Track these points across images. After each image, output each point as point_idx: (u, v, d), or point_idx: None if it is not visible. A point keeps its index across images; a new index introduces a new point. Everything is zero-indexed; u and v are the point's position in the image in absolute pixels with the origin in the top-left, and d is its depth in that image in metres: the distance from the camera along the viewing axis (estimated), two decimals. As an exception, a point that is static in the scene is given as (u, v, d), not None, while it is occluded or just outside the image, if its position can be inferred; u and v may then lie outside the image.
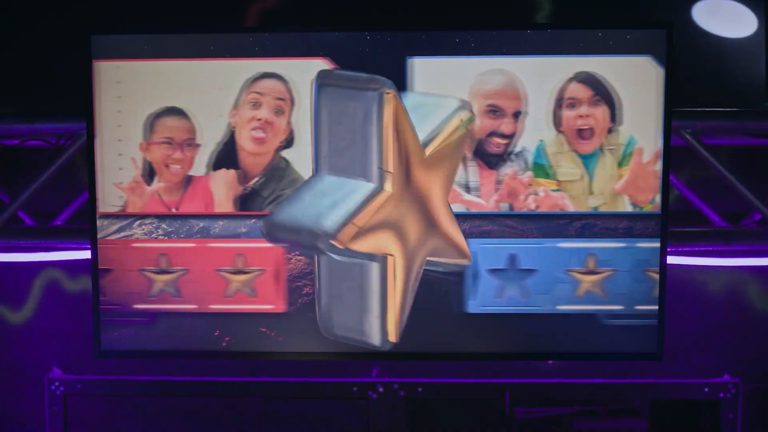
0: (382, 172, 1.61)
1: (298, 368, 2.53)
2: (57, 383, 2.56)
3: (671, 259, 1.91)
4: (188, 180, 1.76)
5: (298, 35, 1.67)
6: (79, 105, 2.08)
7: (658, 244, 1.71)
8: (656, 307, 1.81)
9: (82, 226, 2.13)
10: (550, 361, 2.57)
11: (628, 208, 1.70)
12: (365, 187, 1.59)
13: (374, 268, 1.66)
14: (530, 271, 1.72)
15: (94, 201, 1.75)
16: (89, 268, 2.48)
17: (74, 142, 2.01)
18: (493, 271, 1.74)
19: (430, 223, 1.71)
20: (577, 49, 1.64)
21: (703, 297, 2.54)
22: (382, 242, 1.67)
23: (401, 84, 1.66)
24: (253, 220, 1.71)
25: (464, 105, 1.64)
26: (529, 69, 1.66)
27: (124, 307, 1.80)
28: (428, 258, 1.74)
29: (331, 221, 1.58)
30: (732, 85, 2.23)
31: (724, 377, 2.52)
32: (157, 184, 1.76)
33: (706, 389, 2.53)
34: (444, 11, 2.17)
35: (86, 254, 2.01)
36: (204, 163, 1.76)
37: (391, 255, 1.68)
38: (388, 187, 1.61)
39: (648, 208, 1.70)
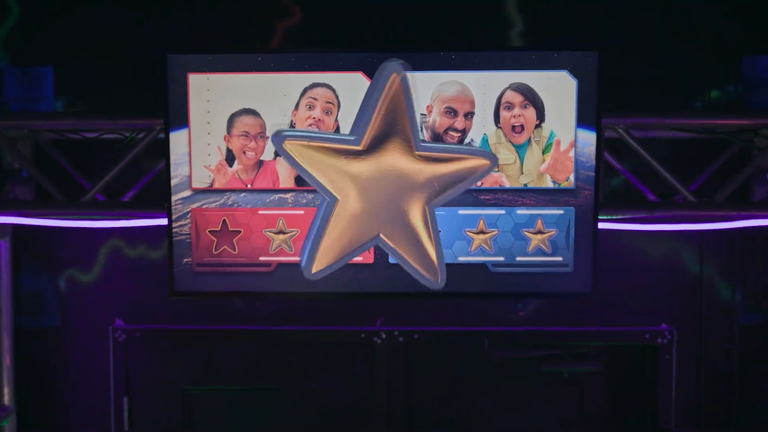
0: (365, 130, 2.17)
1: (318, 319, 3.10)
2: (119, 332, 3.13)
3: (606, 225, 2.47)
4: (260, 163, 2.31)
5: (341, 54, 2.23)
6: (146, 104, 2.65)
7: (573, 213, 2.26)
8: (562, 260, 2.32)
9: (150, 202, 2.70)
10: (521, 312, 3.14)
11: (550, 185, 2.27)
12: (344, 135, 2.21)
13: (324, 202, 2.22)
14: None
15: (168, 176, 2.30)
16: (147, 236, 3.08)
17: (146, 135, 2.57)
18: None
19: (398, 210, 2.21)
20: (513, 66, 2.20)
21: (647, 260, 3.11)
22: (339, 182, 2.21)
23: None
24: (311, 196, 2.27)
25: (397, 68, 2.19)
26: (477, 81, 2.22)
27: (192, 260, 2.34)
28: (389, 242, 2.23)
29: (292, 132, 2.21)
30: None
31: (662, 326, 3.09)
32: (236, 167, 2.32)
33: (647, 335, 3.09)
34: (423, 37, 2.76)
35: (152, 221, 2.58)
36: (272, 150, 2.32)
37: (339, 199, 2.21)
38: (363, 144, 2.17)
39: (564, 185, 2.26)
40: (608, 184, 3.00)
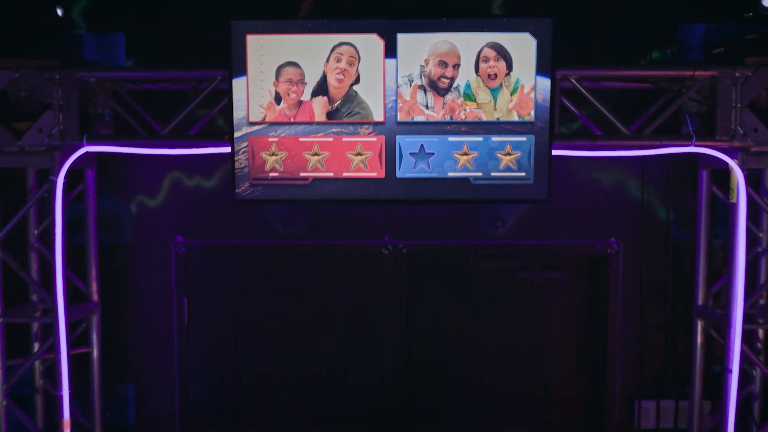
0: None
1: (338, 235, 3.87)
2: (180, 245, 3.91)
3: (560, 152, 3.22)
4: (300, 103, 3.06)
5: (360, 21, 2.98)
6: (206, 60, 3.38)
7: (533, 140, 3.00)
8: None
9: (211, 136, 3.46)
10: (500, 229, 3.91)
11: (516, 119, 3.02)
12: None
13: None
14: (431, 153, 3.08)
15: (231, 112, 3.05)
16: (201, 169, 3.83)
17: (208, 85, 3.31)
18: (411, 153, 3.06)
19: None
20: (490, 29, 2.92)
21: (600, 188, 3.86)
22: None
23: (393, 48, 2.96)
24: (338, 128, 3.02)
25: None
26: (462, 40, 2.96)
27: (249, 176, 3.09)
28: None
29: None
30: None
31: (611, 240, 3.86)
32: (282, 105, 3.07)
33: (599, 247, 3.87)
34: (423, 7, 3.43)
35: (217, 149, 3.31)
36: (309, 93, 3.03)
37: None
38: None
39: (527, 118, 3.01)
40: (569, 128, 3.76)
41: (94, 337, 3.68)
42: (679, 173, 3.80)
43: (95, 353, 3.69)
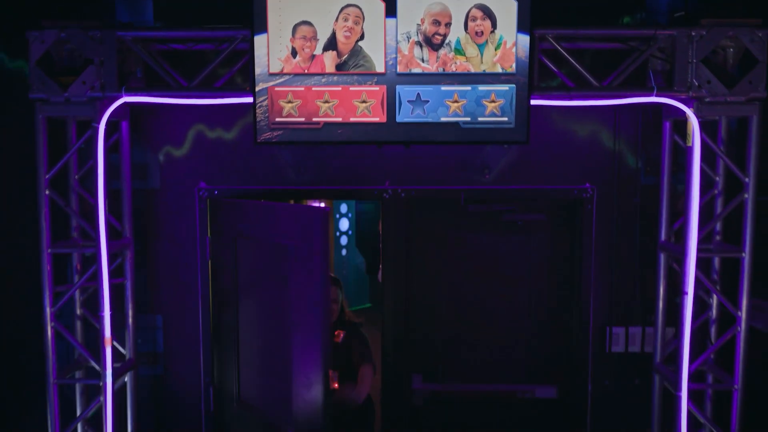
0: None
1: (345, 181, 4.34)
2: (203, 190, 4.38)
3: (538, 102, 3.68)
4: (313, 56, 3.51)
5: None
6: (234, 21, 3.82)
7: (514, 89, 3.46)
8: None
9: (234, 87, 3.91)
10: (487, 176, 4.38)
11: (500, 71, 3.48)
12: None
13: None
14: (426, 101, 3.52)
15: (253, 65, 3.51)
16: (222, 122, 4.29)
17: (229, 45, 3.77)
18: (409, 101, 3.51)
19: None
20: None
21: (577, 138, 4.32)
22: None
23: (393, 9, 3.40)
24: (346, 77, 3.45)
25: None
26: (453, 2, 3.37)
27: (268, 121, 3.56)
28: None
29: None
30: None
31: (586, 185, 4.33)
32: (297, 59, 3.52)
33: (576, 192, 4.33)
34: None
35: (240, 99, 3.77)
36: (321, 48, 3.48)
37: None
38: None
39: (509, 70, 3.46)
40: (549, 84, 4.21)
41: (128, 269, 4.16)
42: (647, 125, 4.27)
43: (129, 284, 4.17)
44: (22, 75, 4.25)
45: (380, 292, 4.57)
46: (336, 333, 3.99)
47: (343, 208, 13.36)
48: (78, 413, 4.14)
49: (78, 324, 4.19)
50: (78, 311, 4.20)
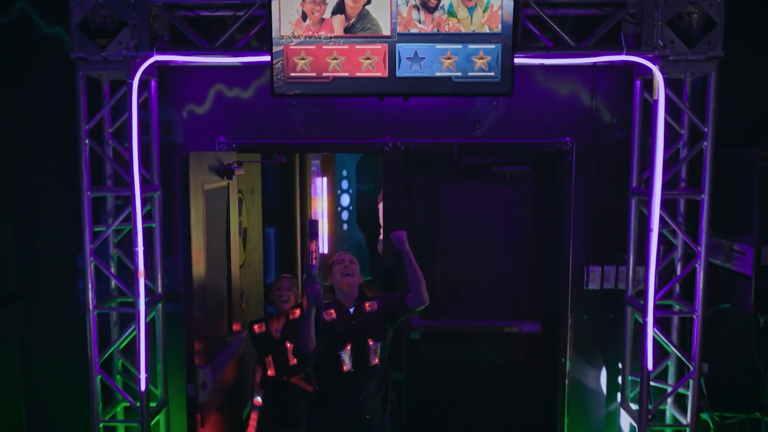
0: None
1: (349, 135, 4.82)
2: (222, 144, 4.87)
3: (521, 60, 4.17)
4: (322, 20, 3.97)
5: None
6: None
7: (500, 47, 3.94)
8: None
9: (252, 48, 4.39)
10: (478, 131, 4.87)
11: (487, 30, 3.94)
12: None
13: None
14: (422, 58, 3.99)
15: (270, 27, 3.98)
16: (239, 82, 4.77)
17: (246, 12, 4.24)
18: (408, 58, 3.98)
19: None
20: None
21: (558, 97, 4.80)
22: None
23: None
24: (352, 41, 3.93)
25: None
26: None
27: (284, 76, 4.03)
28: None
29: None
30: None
31: (566, 138, 4.83)
32: (308, 21, 3.98)
33: (557, 145, 4.83)
34: None
35: (259, 58, 4.24)
36: (330, 11, 3.93)
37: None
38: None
39: (495, 30, 3.92)
40: (537, 48, 4.70)
41: (157, 214, 4.65)
42: (621, 85, 4.75)
43: (158, 227, 4.65)
44: (58, 40, 4.74)
45: (380, 264, 5.07)
46: (293, 311, 4.69)
47: (344, 184, 13.88)
48: (113, 340, 4.64)
49: (111, 263, 4.68)
50: (111, 251, 4.69)
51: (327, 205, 12.15)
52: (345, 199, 13.65)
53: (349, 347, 3.80)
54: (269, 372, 4.73)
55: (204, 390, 4.16)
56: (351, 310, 3.92)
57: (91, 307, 4.43)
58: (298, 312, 4.61)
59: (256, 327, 4.79)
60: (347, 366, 3.81)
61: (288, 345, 4.64)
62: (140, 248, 4.34)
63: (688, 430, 4.49)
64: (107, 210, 4.68)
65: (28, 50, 4.76)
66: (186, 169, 4.21)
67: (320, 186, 11.41)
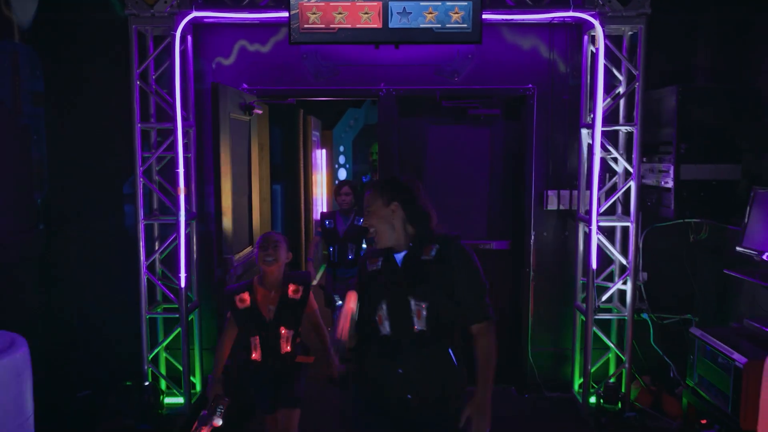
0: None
1: (349, 82, 5.83)
2: (245, 88, 5.88)
3: (491, 15, 5.20)
4: None
5: None
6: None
7: (471, 4, 4.97)
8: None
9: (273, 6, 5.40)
10: (456, 78, 5.89)
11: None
12: None
13: None
14: (410, 12, 5.00)
15: (288, -12, 5.00)
16: (259, 38, 5.79)
17: (268, -27, 5.26)
18: (398, 13, 5.00)
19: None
20: None
21: (522, 50, 5.84)
22: None
23: None
24: None
25: None
26: None
27: (299, 26, 5.05)
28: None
29: None
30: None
31: (529, 85, 5.86)
32: None
33: (521, 90, 5.86)
34: None
35: (279, 14, 5.27)
36: None
37: None
38: None
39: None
40: (502, 6, 5.72)
41: (193, 145, 5.64)
42: (573, 40, 5.78)
43: (193, 156, 5.65)
44: (109, 4, 5.73)
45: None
46: (291, 287, 3.96)
47: (342, 159, 14.92)
48: (155, 249, 5.64)
49: (154, 192, 5.68)
50: (154, 179, 5.69)
51: (326, 177, 13.17)
52: (342, 173, 14.68)
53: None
54: (254, 355, 3.89)
55: (229, 275, 5.15)
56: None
57: (141, 218, 5.43)
58: (293, 289, 3.93)
59: (238, 300, 3.90)
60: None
61: (283, 331, 3.87)
62: (181, 169, 5.34)
63: (627, 318, 5.53)
64: (150, 143, 5.68)
65: (86, 11, 5.74)
66: (216, 94, 5.19)
67: (320, 157, 12.44)
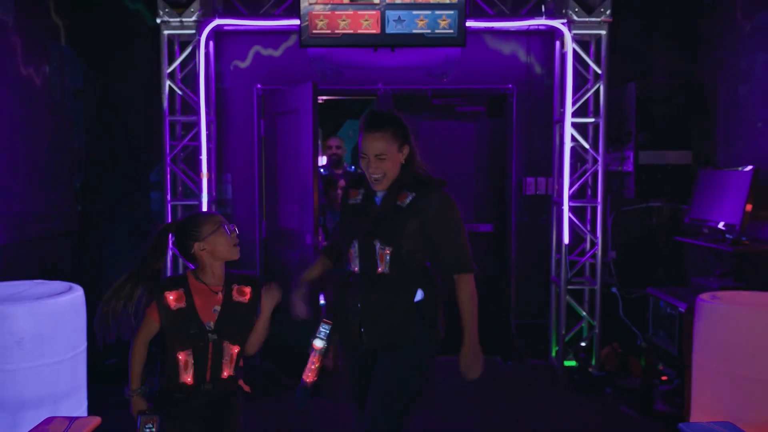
0: None
1: (349, 82, 6.61)
2: (258, 89, 6.65)
3: (473, 23, 5.99)
4: None
5: None
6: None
7: (457, 12, 5.76)
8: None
9: (285, 15, 6.20)
10: (445, 79, 6.68)
11: (447, 1, 5.80)
12: None
13: None
14: (404, 20, 5.80)
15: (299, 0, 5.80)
16: (271, 44, 6.59)
17: (281, -13, 6.06)
18: (393, 20, 5.81)
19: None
20: None
21: (503, 55, 6.64)
22: None
23: None
24: (355, 6, 5.80)
25: None
26: None
27: (309, 31, 5.84)
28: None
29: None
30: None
31: (509, 85, 6.65)
32: None
33: (502, 90, 6.64)
34: None
35: (291, 21, 6.06)
36: None
37: None
38: None
39: (453, 1, 5.79)
40: (484, 15, 6.53)
41: (213, 137, 6.41)
42: (547, 46, 6.59)
43: (213, 147, 6.41)
44: (139, 14, 6.53)
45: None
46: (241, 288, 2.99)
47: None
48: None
49: (180, 172, 6.43)
50: (179, 165, 6.44)
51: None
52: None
53: None
54: (183, 377, 2.86)
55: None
56: None
57: (168, 200, 6.17)
58: (248, 292, 2.99)
59: (171, 298, 2.87)
60: None
61: (233, 347, 2.87)
62: (204, 156, 6.10)
63: (596, 288, 6.26)
64: (176, 134, 6.44)
65: (119, 19, 6.54)
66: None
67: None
